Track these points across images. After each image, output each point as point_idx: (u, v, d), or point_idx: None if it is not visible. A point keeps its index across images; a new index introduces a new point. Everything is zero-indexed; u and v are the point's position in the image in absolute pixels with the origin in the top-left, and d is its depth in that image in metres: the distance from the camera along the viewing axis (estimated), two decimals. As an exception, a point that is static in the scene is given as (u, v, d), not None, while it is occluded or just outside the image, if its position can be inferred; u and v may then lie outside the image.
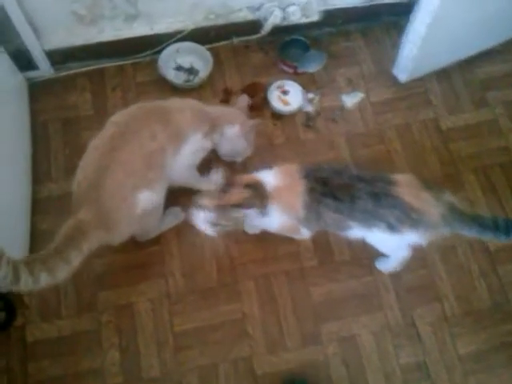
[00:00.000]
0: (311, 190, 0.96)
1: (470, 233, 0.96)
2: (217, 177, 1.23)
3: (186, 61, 1.42)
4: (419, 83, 1.43)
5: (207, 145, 1.15)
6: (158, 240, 1.20)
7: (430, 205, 0.94)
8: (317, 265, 1.22)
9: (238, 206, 0.93)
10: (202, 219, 0.94)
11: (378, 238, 1.03)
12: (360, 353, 1.14)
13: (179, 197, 1.20)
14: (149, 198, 1.01)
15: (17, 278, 0.82)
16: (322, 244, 1.23)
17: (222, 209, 0.93)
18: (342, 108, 1.40)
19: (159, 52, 1.39)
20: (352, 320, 1.17)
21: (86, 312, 1.14)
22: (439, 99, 1.42)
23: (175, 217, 1.22)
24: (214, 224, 0.94)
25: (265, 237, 1.19)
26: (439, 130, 1.38)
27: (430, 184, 0.97)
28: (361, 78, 1.44)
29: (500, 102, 1.42)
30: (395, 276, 1.20)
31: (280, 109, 1.36)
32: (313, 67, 1.41)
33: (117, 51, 1.39)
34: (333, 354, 1.13)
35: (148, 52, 1.40)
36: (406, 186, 0.95)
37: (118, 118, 1.03)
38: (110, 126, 1.01)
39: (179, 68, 1.41)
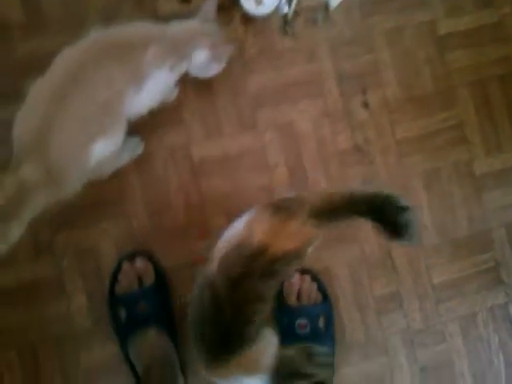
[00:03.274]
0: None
1: None
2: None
3: None
4: (416, -24, 1.20)
5: (174, 78, 0.98)
6: (115, 175, 1.06)
7: None
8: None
9: None
10: None
11: None
12: (333, 285, 1.12)
13: (137, 124, 1.05)
14: (105, 147, 0.88)
15: None
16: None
17: None
18: (326, 7, 1.17)
19: None
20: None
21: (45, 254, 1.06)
22: (438, -4, 1.21)
23: (134, 149, 1.08)
24: None
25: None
26: (435, 36, 1.20)
27: None
28: (349, -35, 1.19)
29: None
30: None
31: (252, 10, 1.14)
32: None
33: None
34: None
35: None
36: None
37: (67, 57, 0.84)
38: (59, 68, 0.83)
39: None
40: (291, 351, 0.82)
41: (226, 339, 0.74)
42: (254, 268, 0.72)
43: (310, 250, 0.80)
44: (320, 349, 0.84)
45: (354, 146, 1.16)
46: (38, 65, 0.82)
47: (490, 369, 1.13)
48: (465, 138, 1.18)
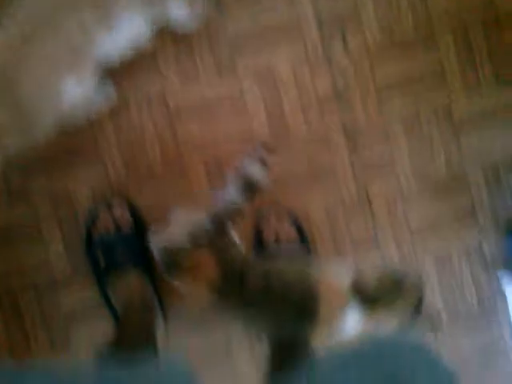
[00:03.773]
0: None
1: None
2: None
3: None
4: None
5: (148, 25, 0.94)
6: (89, 123, 1.05)
7: None
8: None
9: None
10: None
11: None
12: (311, 229, 1.14)
13: (112, 71, 1.02)
14: (76, 89, 0.87)
15: None
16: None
17: None
18: None
19: None
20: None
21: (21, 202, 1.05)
22: None
23: (106, 96, 1.05)
24: None
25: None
26: (419, -21, 1.17)
27: None
28: None
29: None
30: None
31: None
32: None
33: None
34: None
35: None
36: None
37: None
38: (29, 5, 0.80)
39: None
40: (374, 277, 0.82)
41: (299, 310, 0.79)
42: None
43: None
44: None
45: (334, 93, 1.15)
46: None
47: (463, 305, 1.17)
48: (445, 83, 1.17)
